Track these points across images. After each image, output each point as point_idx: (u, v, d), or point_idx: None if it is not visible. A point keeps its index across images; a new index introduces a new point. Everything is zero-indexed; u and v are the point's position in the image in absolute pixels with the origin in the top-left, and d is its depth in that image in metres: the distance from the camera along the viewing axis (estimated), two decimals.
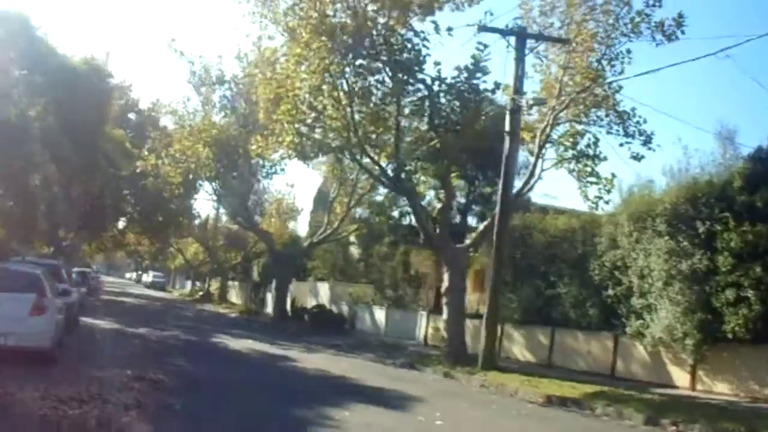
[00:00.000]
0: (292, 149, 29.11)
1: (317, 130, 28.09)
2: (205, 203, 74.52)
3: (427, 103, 25.58)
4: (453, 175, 30.20)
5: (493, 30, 24.34)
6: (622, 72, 26.05)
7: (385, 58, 24.98)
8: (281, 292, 47.70)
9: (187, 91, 51.70)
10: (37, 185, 45.93)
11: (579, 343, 28.42)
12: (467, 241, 29.16)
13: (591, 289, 26.84)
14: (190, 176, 48.19)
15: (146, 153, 48.88)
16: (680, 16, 24.94)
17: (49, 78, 41.90)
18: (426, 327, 38.62)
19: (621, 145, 27.07)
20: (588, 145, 27.53)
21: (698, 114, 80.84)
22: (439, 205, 29.63)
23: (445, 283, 27.21)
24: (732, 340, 21.56)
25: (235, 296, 76.93)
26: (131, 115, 62.73)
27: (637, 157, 26.90)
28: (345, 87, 26.43)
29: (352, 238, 53.52)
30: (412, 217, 44.57)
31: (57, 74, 41.87)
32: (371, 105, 26.89)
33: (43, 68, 42.14)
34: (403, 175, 28.01)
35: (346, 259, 61.46)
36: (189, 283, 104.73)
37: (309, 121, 27.55)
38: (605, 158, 27.62)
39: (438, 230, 28.16)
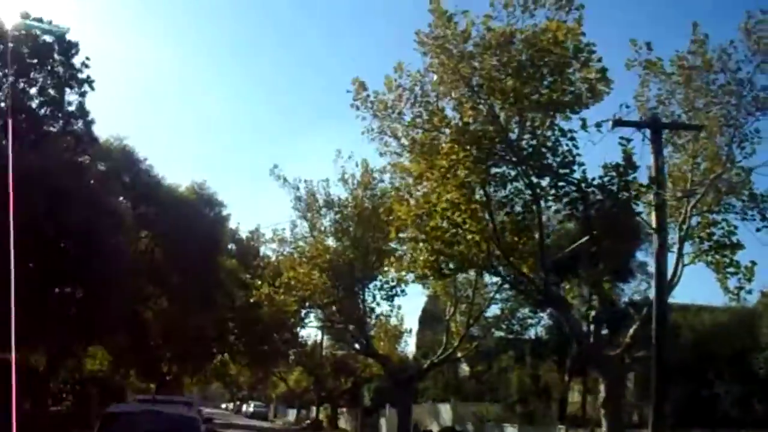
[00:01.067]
0: (428, 268, 28.65)
1: (455, 247, 27.48)
2: (308, 330, 74.41)
3: (580, 206, 24.93)
4: (605, 279, 29.33)
5: (628, 123, 23.91)
6: (753, 153, 25.06)
7: (528, 163, 24.54)
8: (404, 417, 46.32)
9: (290, 216, 50.99)
10: (149, 319, 46.19)
11: None
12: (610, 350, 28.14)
13: (755, 384, 25.74)
14: (306, 303, 48.20)
15: (258, 282, 48.95)
16: None
17: (156, 209, 42.65)
18: None
19: (758, 230, 25.24)
20: (723, 235, 26.54)
21: None
22: (593, 313, 28.59)
23: (602, 394, 25.68)
24: None
25: (344, 423, 76.07)
26: (231, 245, 63.30)
27: None
28: (483, 197, 26.02)
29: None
30: (538, 329, 44.30)
31: (164, 205, 42.58)
32: (513, 214, 26.49)
33: (149, 200, 42.99)
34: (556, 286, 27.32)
35: (457, 378, 60.74)
36: (291, 412, 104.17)
37: (447, 236, 26.99)
38: (743, 246, 26.32)
39: (592, 339, 27.20)
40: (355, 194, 45.83)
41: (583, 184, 23.92)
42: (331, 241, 46.76)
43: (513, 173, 25.42)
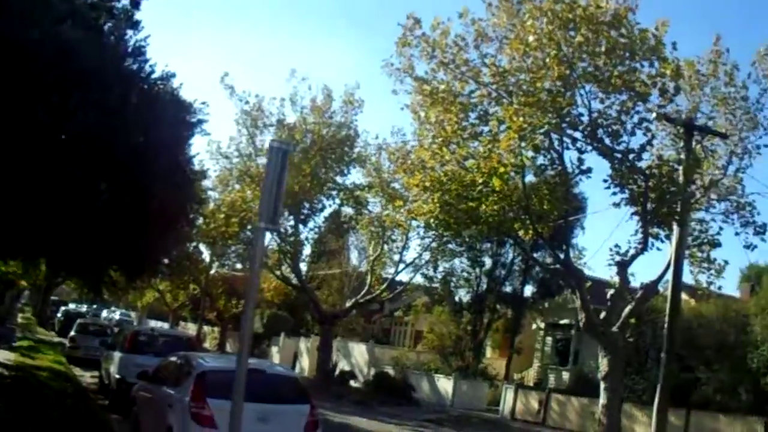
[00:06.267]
0: (434, 220, 29.91)
1: (468, 203, 27.81)
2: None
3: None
4: None
5: (670, 120, 26.01)
6: (750, 166, 27.61)
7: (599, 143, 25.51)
8: (326, 352, 47.73)
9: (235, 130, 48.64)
10: None
11: (721, 425, 30.21)
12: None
13: (744, 374, 28.52)
14: (248, 226, 46.91)
15: (203, 196, 48.37)
16: None
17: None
18: (514, 401, 39.89)
19: (737, 234, 27.58)
20: (702, 231, 28.50)
21: None
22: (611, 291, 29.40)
23: (603, 368, 26.93)
24: None
25: (229, 347, 75.80)
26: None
27: (750, 247, 27.24)
28: (521, 160, 27.08)
29: None
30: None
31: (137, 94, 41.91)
32: (547, 182, 28.23)
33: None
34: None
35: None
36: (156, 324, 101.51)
37: (461, 190, 27.61)
38: (720, 244, 28.30)
39: (604, 315, 27.89)
40: (303, 119, 45.34)
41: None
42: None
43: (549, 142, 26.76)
